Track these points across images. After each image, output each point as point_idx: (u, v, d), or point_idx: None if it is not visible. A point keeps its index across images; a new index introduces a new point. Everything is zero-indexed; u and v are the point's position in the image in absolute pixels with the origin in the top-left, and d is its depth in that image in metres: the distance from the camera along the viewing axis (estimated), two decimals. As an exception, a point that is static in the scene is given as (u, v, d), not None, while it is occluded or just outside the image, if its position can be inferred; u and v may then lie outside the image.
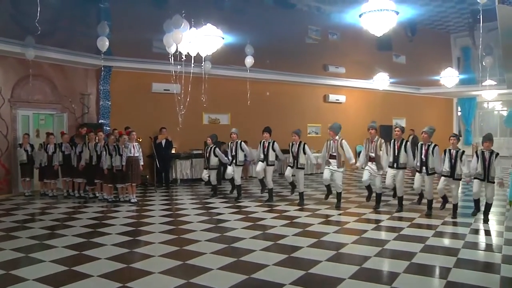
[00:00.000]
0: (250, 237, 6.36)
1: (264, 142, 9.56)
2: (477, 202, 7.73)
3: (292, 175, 9.38)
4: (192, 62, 9.22)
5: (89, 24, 9.37)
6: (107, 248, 5.77)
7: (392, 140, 8.38)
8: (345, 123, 15.31)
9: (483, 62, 12.53)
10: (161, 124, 12.22)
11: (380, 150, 8.44)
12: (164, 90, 12.72)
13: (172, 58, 8.93)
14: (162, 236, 6.43)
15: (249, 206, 8.91)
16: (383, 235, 6.60)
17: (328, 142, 8.91)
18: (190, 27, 8.36)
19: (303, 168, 9.28)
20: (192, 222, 7.38)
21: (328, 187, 9.20)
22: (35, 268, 4.93)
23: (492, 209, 8.53)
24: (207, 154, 10.18)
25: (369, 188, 8.90)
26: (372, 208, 8.55)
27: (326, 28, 11.21)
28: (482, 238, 6.43)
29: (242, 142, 9.84)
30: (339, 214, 8.08)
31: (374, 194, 8.80)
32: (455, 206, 7.71)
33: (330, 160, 8.84)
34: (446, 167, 7.68)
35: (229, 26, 9.22)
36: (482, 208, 7.56)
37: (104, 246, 5.84)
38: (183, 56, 9.00)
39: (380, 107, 18.30)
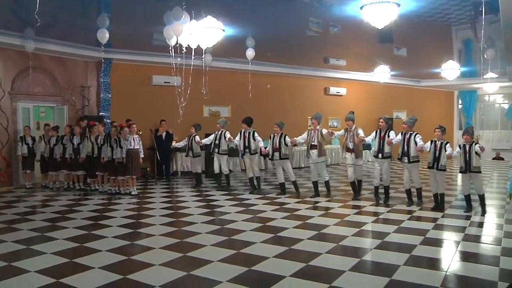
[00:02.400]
0: (250, 229, 6.38)
1: (244, 132, 9.74)
2: (467, 198, 7.69)
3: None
4: (193, 54, 9.17)
5: (89, 16, 9.31)
6: (108, 240, 5.79)
7: (378, 130, 8.50)
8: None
9: (485, 55, 12.45)
10: (161, 117, 12.21)
11: (357, 136, 8.57)
12: (165, 82, 12.71)
13: (173, 50, 8.88)
14: (162, 228, 6.45)
15: (250, 199, 8.92)
16: (383, 227, 6.61)
17: (309, 131, 9.13)
18: (191, 19, 8.30)
19: (287, 158, 9.48)
20: (192, 215, 7.40)
21: (316, 183, 9.27)
22: (37, 260, 4.95)
23: (492, 202, 8.58)
24: (189, 143, 10.44)
25: (353, 184, 8.96)
26: (355, 199, 8.72)
27: (327, 20, 11.16)
28: (481, 231, 6.45)
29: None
30: (339, 207, 8.09)
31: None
32: (442, 196, 7.83)
33: (311, 152, 9.03)
34: (430, 158, 7.83)
35: (229, 18, 9.15)
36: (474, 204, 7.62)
37: (105, 238, 5.86)
38: (184, 49, 8.95)
39: (380, 100, 18.27)
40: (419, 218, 7.12)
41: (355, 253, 5.21)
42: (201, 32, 8.49)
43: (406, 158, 8.04)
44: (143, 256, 5.11)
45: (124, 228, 6.46)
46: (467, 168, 7.41)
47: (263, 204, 8.37)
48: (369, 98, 18.08)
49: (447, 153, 7.59)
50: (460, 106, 21.41)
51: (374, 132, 8.57)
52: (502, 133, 20.05)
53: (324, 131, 9.03)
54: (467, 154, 7.39)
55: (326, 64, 15.42)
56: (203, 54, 10.72)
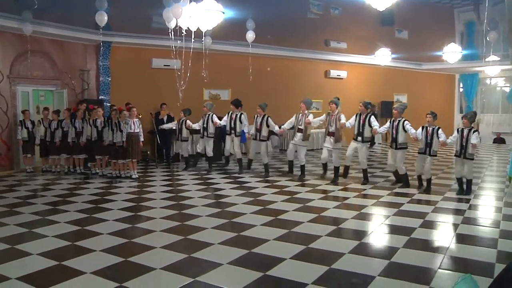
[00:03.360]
0: (251, 212, 6.41)
1: (231, 114, 9.89)
2: (459, 180, 7.70)
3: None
4: (192, 37, 9.09)
5: (87, -2, 9.24)
6: (109, 223, 5.82)
7: (358, 114, 8.62)
8: (346, 99, 15.20)
9: (487, 37, 12.33)
10: (161, 100, 12.16)
11: (339, 121, 8.72)
12: (164, 65, 12.61)
13: (172, 33, 8.80)
14: (163, 211, 6.48)
15: (250, 182, 8.95)
16: (383, 210, 6.65)
17: (297, 115, 9.31)
18: (190, 2, 8.21)
19: (265, 140, 9.76)
20: (193, 198, 7.43)
21: (292, 162, 9.63)
22: (39, 243, 4.99)
23: (492, 185, 8.62)
24: (179, 126, 10.59)
25: (325, 165, 9.28)
26: (330, 181, 8.83)
27: (328, 2, 11.04)
28: (480, 214, 6.47)
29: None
30: (340, 190, 8.12)
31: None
32: (429, 181, 7.96)
33: (297, 134, 9.25)
34: (422, 144, 7.86)
35: (229, 0, 9.06)
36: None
37: (106, 222, 5.89)
38: (183, 31, 8.86)
39: (381, 83, 18.17)
40: (418, 201, 7.15)
41: (355, 236, 5.25)
42: (200, 15, 8.40)
43: (394, 144, 8.16)
44: (144, 239, 5.14)
45: (125, 211, 6.49)
46: (462, 153, 7.38)
47: (263, 187, 8.40)
48: (369, 81, 17.97)
49: (440, 139, 7.57)
50: (461, 90, 21.27)
51: (354, 116, 8.71)
52: (503, 117, 19.95)
53: (311, 117, 9.18)
54: (464, 139, 7.33)
55: (327, 47, 15.31)
56: (203, 37, 10.63)
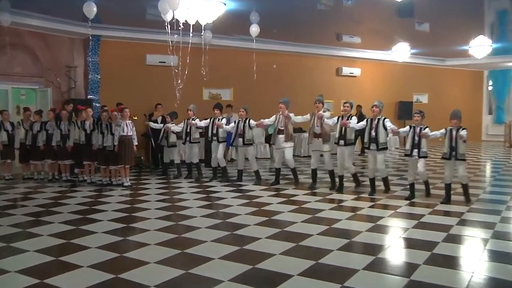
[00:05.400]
0: (255, 223, 6.40)
1: (214, 119, 10.02)
2: (447, 187, 7.73)
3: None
4: (191, 31, 9.14)
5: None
6: (98, 236, 5.82)
7: (340, 116, 8.63)
8: (360, 99, 15.22)
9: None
10: (156, 100, 12.22)
11: (320, 119, 8.72)
12: (160, 62, 12.70)
13: (169, 26, 8.85)
14: (158, 222, 6.48)
15: (254, 190, 8.95)
16: (401, 222, 6.62)
17: (278, 115, 9.36)
18: (188, -9, 8.27)
19: (251, 144, 9.81)
20: (191, 207, 7.44)
21: (279, 170, 9.62)
22: (18, 259, 4.97)
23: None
24: (165, 133, 10.78)
25: (315, 172, 9.19)
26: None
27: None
28: (512, 227, 6.42)
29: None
30: (352, 199, 8.10)
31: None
32: (426, 184, 8.09)
33: (278, 136, 9.28)
34: (408, 145, 7.90)
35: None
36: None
37: (95, 234, 5.89)
38: (181, 25, 8.91)
39: (399, 81, 18.17)
40: (441, 213, 7.11)
41: (370, 250, 5.22)
42: (200, 6, 8.44)
43: (375, 145, 8.13)
44: (137, 253, 5.14)
45: (116, 222, 6.49)
46: (451, 154, 7.48)
47: (268, 196, 8.39)
48: (386, 79, 17.97)
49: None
50: (490, 88, 21.15)
51: (336, 118, 8.74)
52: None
53: (292, 116, 9.24)
54: (453, 140, 7.44)
55: (339, 42, 15.31)
56: (202, 31, 10.66)
